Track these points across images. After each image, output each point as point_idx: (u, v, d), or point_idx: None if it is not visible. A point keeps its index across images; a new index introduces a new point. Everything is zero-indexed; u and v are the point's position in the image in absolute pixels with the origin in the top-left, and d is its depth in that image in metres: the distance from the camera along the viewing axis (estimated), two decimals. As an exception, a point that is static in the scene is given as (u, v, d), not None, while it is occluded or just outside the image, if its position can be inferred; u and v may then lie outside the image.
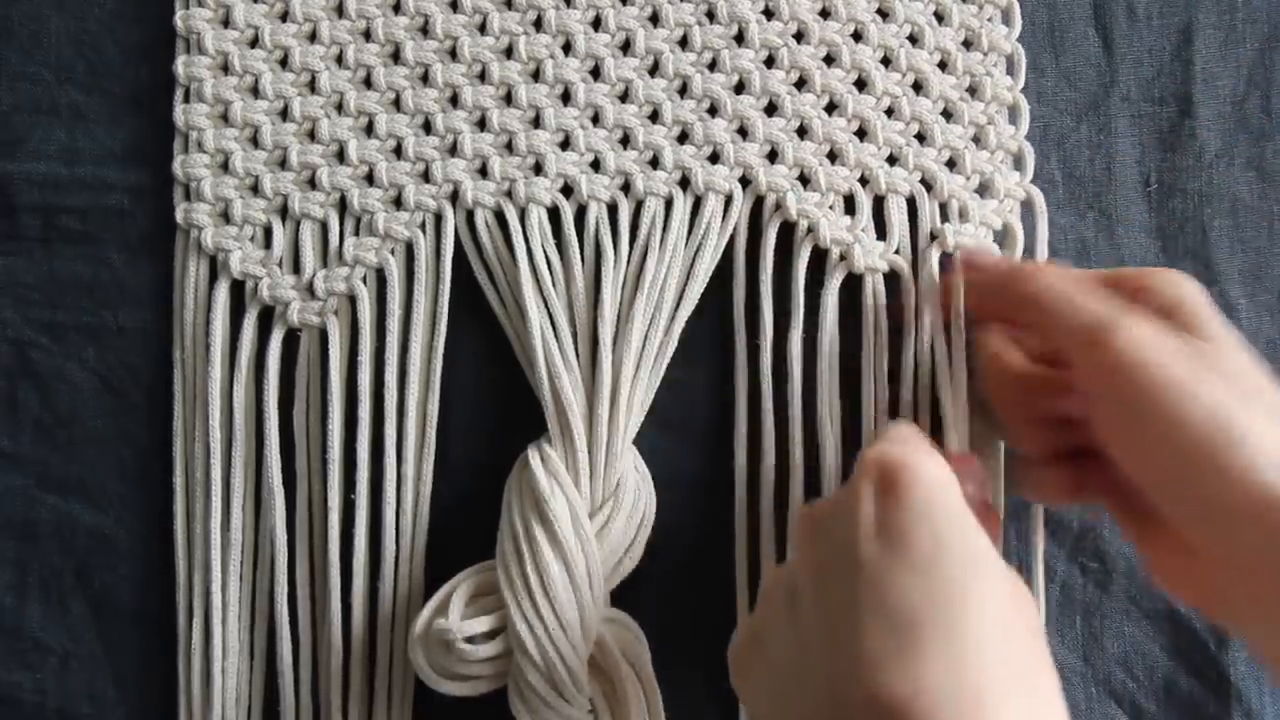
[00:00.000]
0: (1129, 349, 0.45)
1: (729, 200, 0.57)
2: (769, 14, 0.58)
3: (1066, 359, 0.48)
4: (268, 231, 0.58)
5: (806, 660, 0.43)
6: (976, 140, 0.58)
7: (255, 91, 0.58)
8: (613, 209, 0.57)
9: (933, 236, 0.57)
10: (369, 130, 0.58)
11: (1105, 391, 0.46)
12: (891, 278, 0.57)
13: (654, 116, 0.57)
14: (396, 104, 0.58)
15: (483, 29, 0.58)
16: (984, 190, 0.58)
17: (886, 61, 0.58)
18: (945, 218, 0.57)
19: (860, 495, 0.44)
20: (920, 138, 0.58)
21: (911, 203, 0.57)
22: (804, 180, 0.57)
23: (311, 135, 0.58)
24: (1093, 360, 0.46)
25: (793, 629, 0.44)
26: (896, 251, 0.57)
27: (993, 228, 0.57)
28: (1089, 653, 0.58)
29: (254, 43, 0.58)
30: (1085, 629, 0.58)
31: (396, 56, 0.58)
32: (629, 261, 0.57)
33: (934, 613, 0.40)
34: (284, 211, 0.58)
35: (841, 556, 0.43)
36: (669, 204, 0.57)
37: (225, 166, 0.57)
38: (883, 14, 0.58)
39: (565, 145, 0.58)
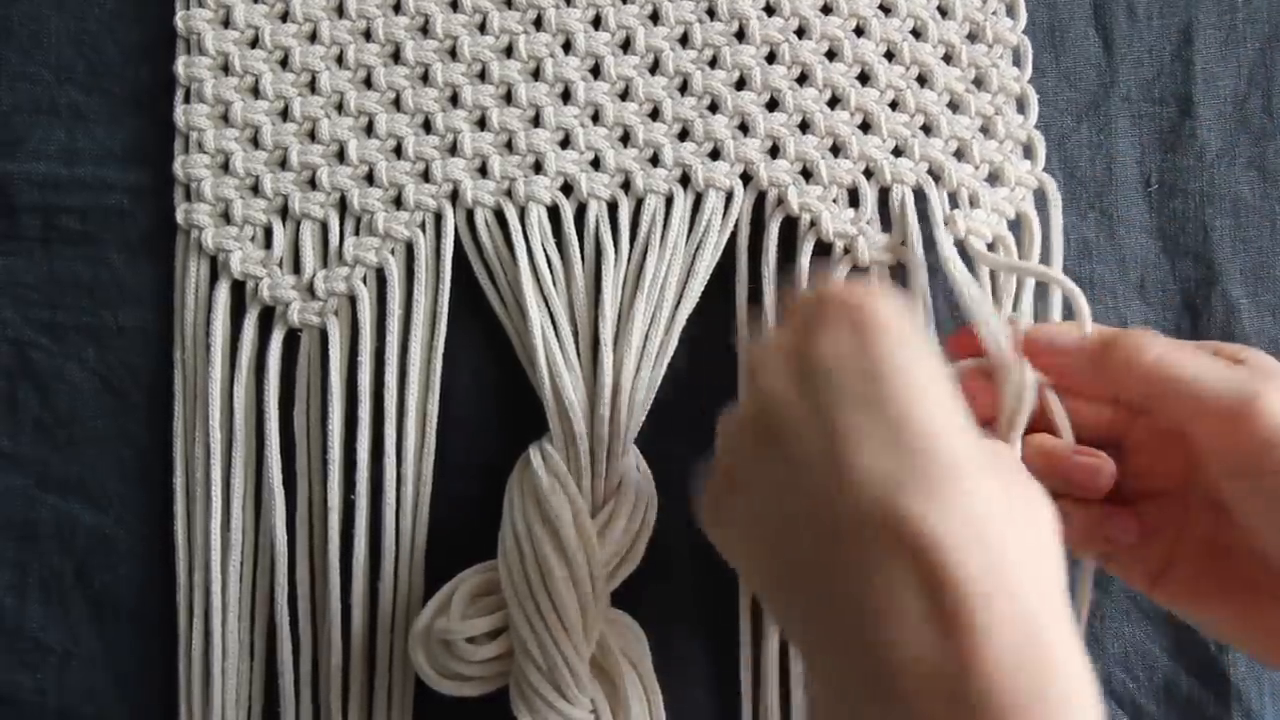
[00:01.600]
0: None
1: (730, 197, 0.57)
2: (770, 10, 0.58)
3: (1159, 435, 0.48)
4: (268, 232, 0.58)
5: (801, 489, 0.41)
6: (984, 130, 0.58)
7: (255, 92, 0.58)
8: (613, 207, 0.57)
9: (945, 223, 0.57)
10: (369, 130, 0.58)
11: (1254, 464, 0.44)
12: (897, 270, 0.57)
13: (654, 114, 0.57)
14: (396, 104, 0.58)
15: (483, 28, 0.58)
16: (994, 179, 0.58)
17: (890, 55, 0.58)
18: (955, 206, 0.57)
19: (831, 328, 0.42)
20: (926, 129, 0.58)
21: (918, 196, 0.57)
22: (806, 174, 0.57)
23: (312, 135, 0.58)
24: (1235, 432, 0.44)
25: (777, 462, 0.42)
26: (903, 243, 0.57)
27: (1005, 216, 0.57)
28: (1089, 653, 0.58)
29: (254, 43, 0.58)
30: (1085, 629, 0.58)
31: (396, 56, 0.58)
32: (629, 260, 0.57)
33: (945, 446, 0.39)
34: (284, 211, 0.58)
35: (824, 390, 0.41)
36: (669, 201, 0.57)
37: (225, 167, 0.57)
38: (885, 9, 0.58)
39: (565, 144, 0.58)
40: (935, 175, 0.57)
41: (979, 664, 0.35)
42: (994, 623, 0.36)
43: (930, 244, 0.56)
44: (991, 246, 0.57)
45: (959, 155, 0.58)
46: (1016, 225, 0.58)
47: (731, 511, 0.45)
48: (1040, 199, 0.58)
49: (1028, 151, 0.58)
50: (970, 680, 0.35)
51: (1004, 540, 0.37)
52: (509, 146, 0.57)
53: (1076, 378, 0.50)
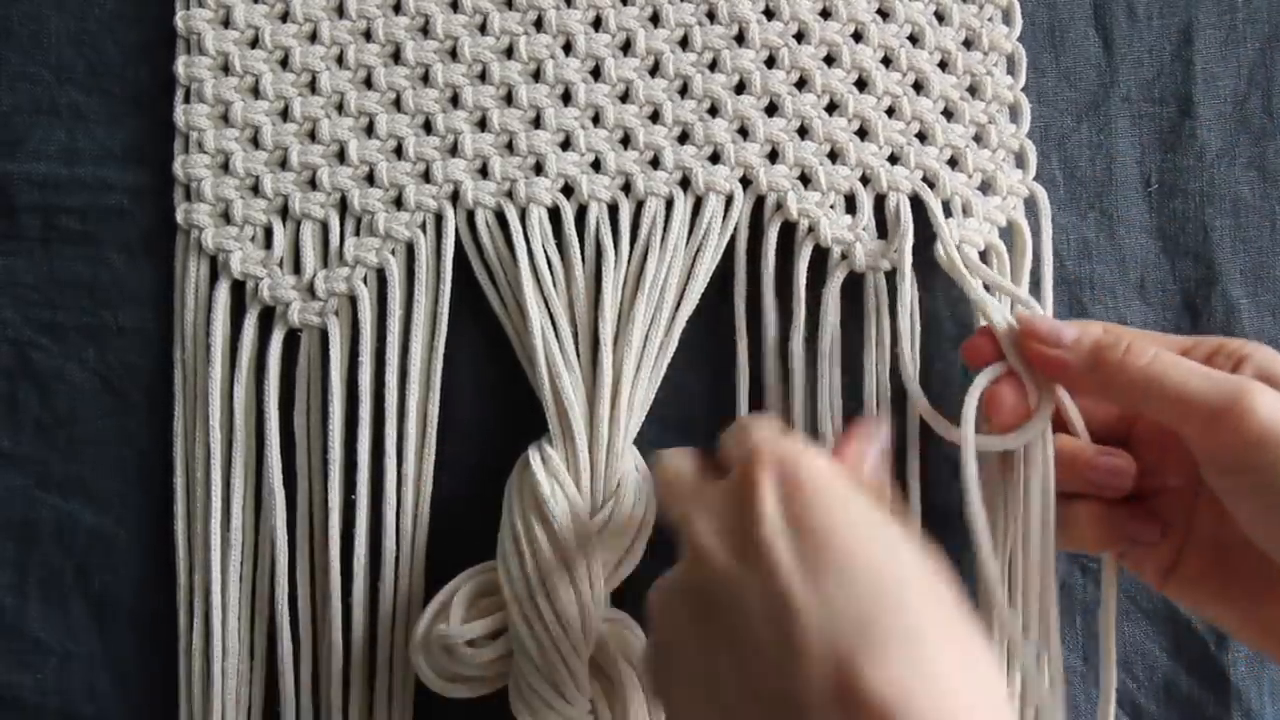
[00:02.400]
0: (1270, 418, 0.44)
1: (729, 200, 0.57)
2: (769, 14, 0.58)
3: (1164, 431, 0.49)
4: (268, 232, 0.58)
5: (747, 666, 0.41)
6: (978, 139, 0.58)
7: (255, 92, 0.58)
8: (613, 209, 0.57)
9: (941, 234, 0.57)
10: (369, 130, 0.58)
11: (1241, 462, 0.45)
12: (893, 276, 0.57)
13: (654, 117, 0.57)
14: (397, 104, 0.58)
15: (483, 29, 0.58)
16: (986, 188, 0.58)
17: (887, 61, 0.58)
18: (949, 215, 0.57)
19: (762, 495, 0.42)
20: (921, 137, 0.58)
21: (913, 202, 0.57)
22: (805, 180, 0.57)
23: (312, 135, 0.58)
24: (1225, 430, 0.45)
25: (718, 639, 0.42)
26: (898, 250, 0.57)
27: (997, 224, 0.57)
28: (1089, 653, 0.58)
29: (254, 43, 0.58)
30: (1085, 629, 0.58)
31: (397, 57, 0.58)
32: (629, 261, 0.57)
33: (886, 604, 0.39)
34: (284, 212, 0.58)
35: (762, 562, 0.41)
36: (669, 204, 0.57)
37: (226, 167, 0.57)
38: (883, 14, 0.58)
39: (566, 145, 0.58)
40: (930, 183, 0.57)
41: None
42: None
43: (925, 247, 0.57)
44: (984, 254, 0.57)
45: (953, 163, 0.58)
46: (1008, 233, 0.58)
47: (672, 684, 0.44)
48: (1030, 207, 0.58)
49: (1019, 160, 0.58)
50: None
51: (958, 694, 0.38)
52: (510, 148, 0.57)
53: (1076, 378, 0.50)
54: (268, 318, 0.57)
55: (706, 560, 0.43)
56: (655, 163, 0.57)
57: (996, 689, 0.40)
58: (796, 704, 0.38)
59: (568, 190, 0.57)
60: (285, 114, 0.58)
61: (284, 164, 0.57)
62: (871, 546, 0.41)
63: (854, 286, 0.57)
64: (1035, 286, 0.57)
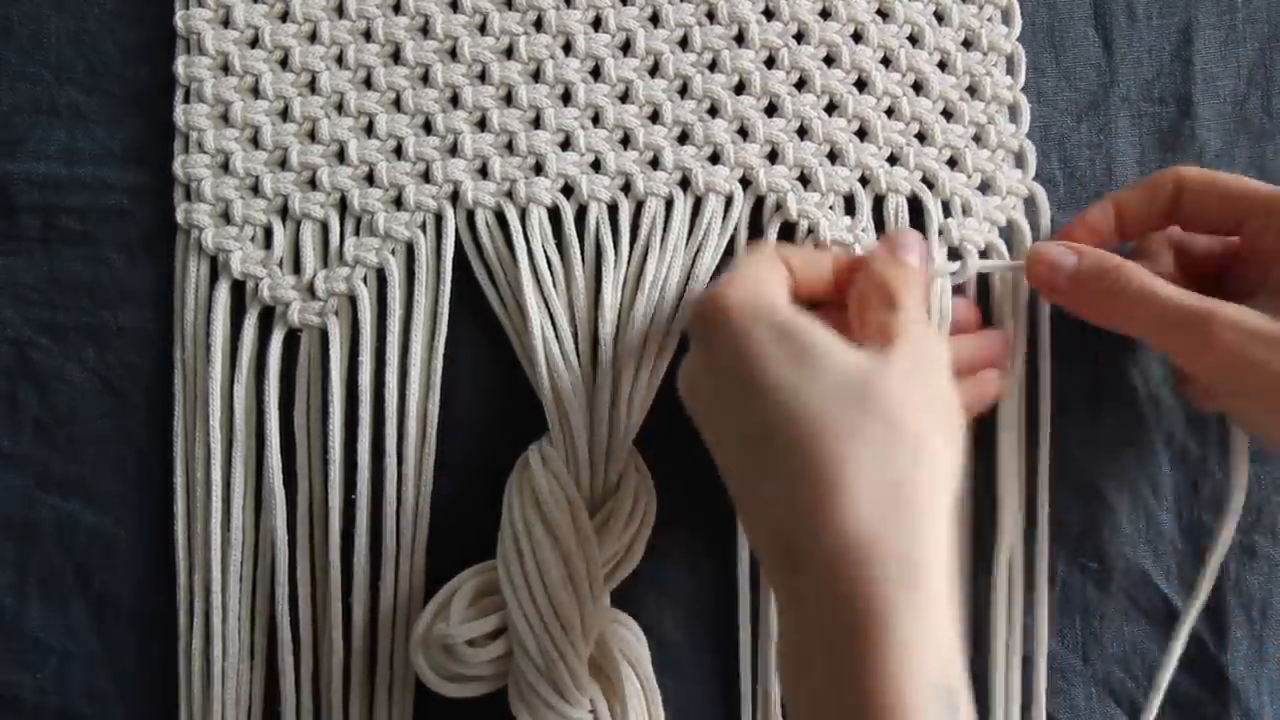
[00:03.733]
0: (1234, 346, 0.47)
1: (729, 201, 0.57)
2: (769, 14, 0.58)
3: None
4: (268, 232, 0.58)
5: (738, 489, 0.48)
6: (977, 139, 0.58)
7: (255, 92, 0.58)
8: (613, 209, 0.57)
9: (940, 233, 0.57)
10: (369, 130, 0.58)
11: (1218, 385, 0.51)
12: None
13: (654, 117, 0.57)
14: (397, 104, 0.58)
15: (483, 29, 0.58)
16: (986, 188, 0.58)
17: (886, 62, 0.58)
18: (948, 215, 0.57)
19: (693, 345, 0.49)
20: (921, 137, 0.58)
21: (912, 204, 0.57)
22: (804, 180, 0.57)
23: (312, 135, 0.58)
24: (1196, 359, 0.50)
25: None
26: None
27: (996, 224, 0.57)
28: (1089, 653, 0.58)
29: (254, 43, 0.58)
30: (1085, 629, 0.58)
31: (397, 57, 0.58)
32: (629, 262, 0.57)
33: (798, 423, 0.44)
34: (284, 212, 0.58)
35: (705, 400, 0.49)
36: (669, 204, 0.57)
37: (225, 167, 0.57)
38: (883, 14, 0.58)
39: (566, 145, 0.58)
40: (929, 184, 0.57)
41: (816, 603, 0.42)
42: (824, 569, 0.42)
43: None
44: (984, 255, 0.57)
45: (952, 164, 0.58)
46: (1008, 232, 0.58)
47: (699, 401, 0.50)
48: (1030, 206, 0.58)
49: (1019, 160, 0.58)
50: (814, 620, 0.42)
51: (825, 499, 0.42)
52: (509, 148, 0.57)
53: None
54: (268, 318, 0.57)
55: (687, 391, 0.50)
56: (655, 163, 0.57)
57: (921, 523, 0.43)
58: (748, 506, 0.47)
59: (568, 190, 0.57)
60: (285, 114, 0.58)
61: (284, 164, 0.57)
62: (782, 375, 0.45)
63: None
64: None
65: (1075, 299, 0.53)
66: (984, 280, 0.57)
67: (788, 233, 0.57)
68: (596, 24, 0.58)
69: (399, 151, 0.57)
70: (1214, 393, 0.54)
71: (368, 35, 0.58)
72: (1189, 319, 0.48)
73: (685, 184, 0.57)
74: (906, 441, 0.44)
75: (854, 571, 0.41)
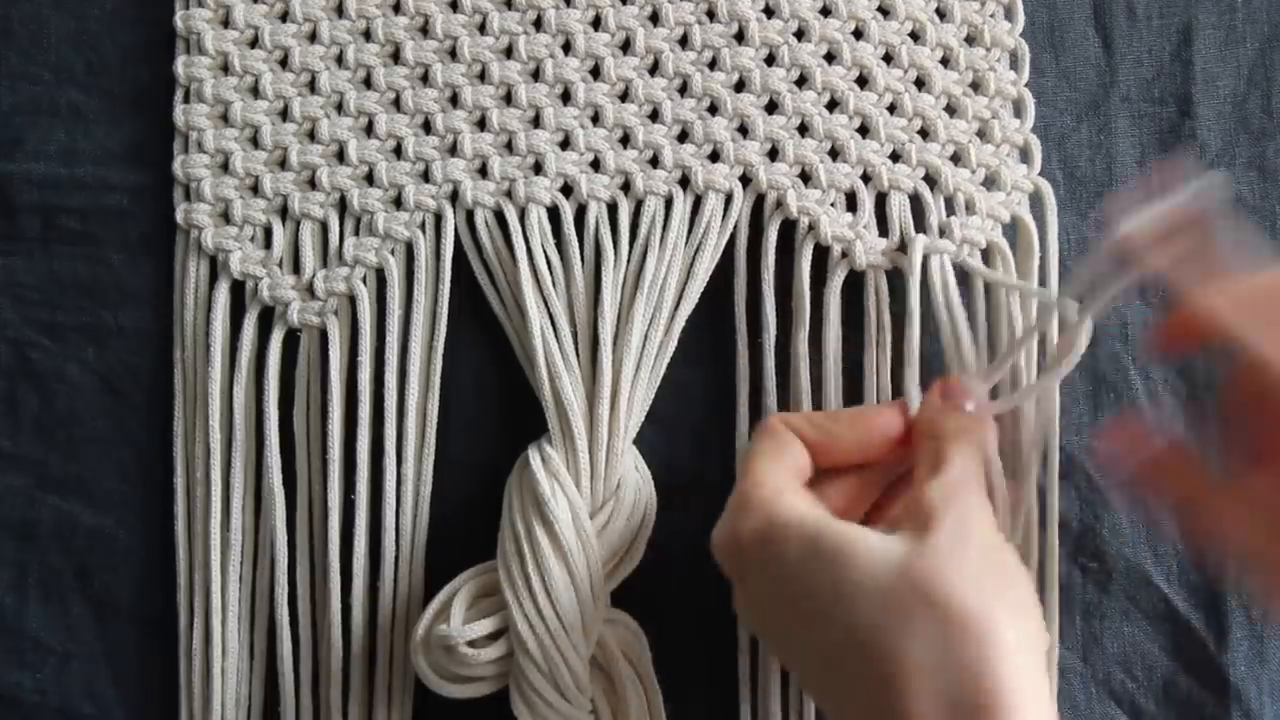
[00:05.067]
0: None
1: (729, 199, 0.57)
2: (769, 12, 0.58)
3: None
4: (268, 232, 0.58)
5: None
6: (981, 135, 0.58)
7: (255, 92, 0.58)
8: (613, 208, 0.57)
9: (941, 231, 0.57)
10: (369, 130, 0.58)
11: None
12: (894, 275, 0.57)
13: (654, 115, 0.57)
14: (396, 104, 0.58)
15: (482, 29, 0.58)
16: (990, 184, 0.58)
17: (888, 58, 0.58)
18: (951, 212, 0.57)
19: (732, 579, 0.49)
20: (923, 133, 0.58)
21: (915, 200, 0.57)
22: (805, 178, 0.57)
23: (311, 135, 0.58)
24: None
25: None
26: (899, 248, 0.57)
27: (1000, 220, 0.57)
28: (1089, 653, 0.58)
29: (254, 43, 0.58)
30: (1085, 629, 0.58)
31: (396, 56, 0.58)
32: (629, 261, 0.57)
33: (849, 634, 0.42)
34: (284, 211, 0.58)
35: (759, 627, 0.49)
36: (669, 203, 0.57)
37: (225, 167, 0.57)
38: (883, 11, 0.58)
39: (565, 145, 0.58)
40: (932, 180, 0.57)
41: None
42: None
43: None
44: (987, 251, 0.57)
45: (956, 160, 0.58)
46: (1012, 229, 0.58)
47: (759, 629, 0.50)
48: (1036, 202, 0.58)
49: (1024, 155, 0.58)
50: None
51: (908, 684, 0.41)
52: (509, 147, 0.57)
53: None
54: (267, 318, 0.57)
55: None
56: (655, 161, 0.57)
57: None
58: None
59: (567, 190, 0.57)
60: (285, 114, 0.58)
61: (284, 164, 0.58)
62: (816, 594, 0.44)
63: (856, 285, 0.57)
64: (1043, 281, 0.57)
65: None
66: (982, 279, 0.57)
67: (788, 230, 0.57)
68: (596, 23, 0.58)
69: (399, 151, 0.57)
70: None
71: (368, 35, 0.58)
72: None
73: (685, 182, 0.57)
74: (967, 623, 0.41)
75: None
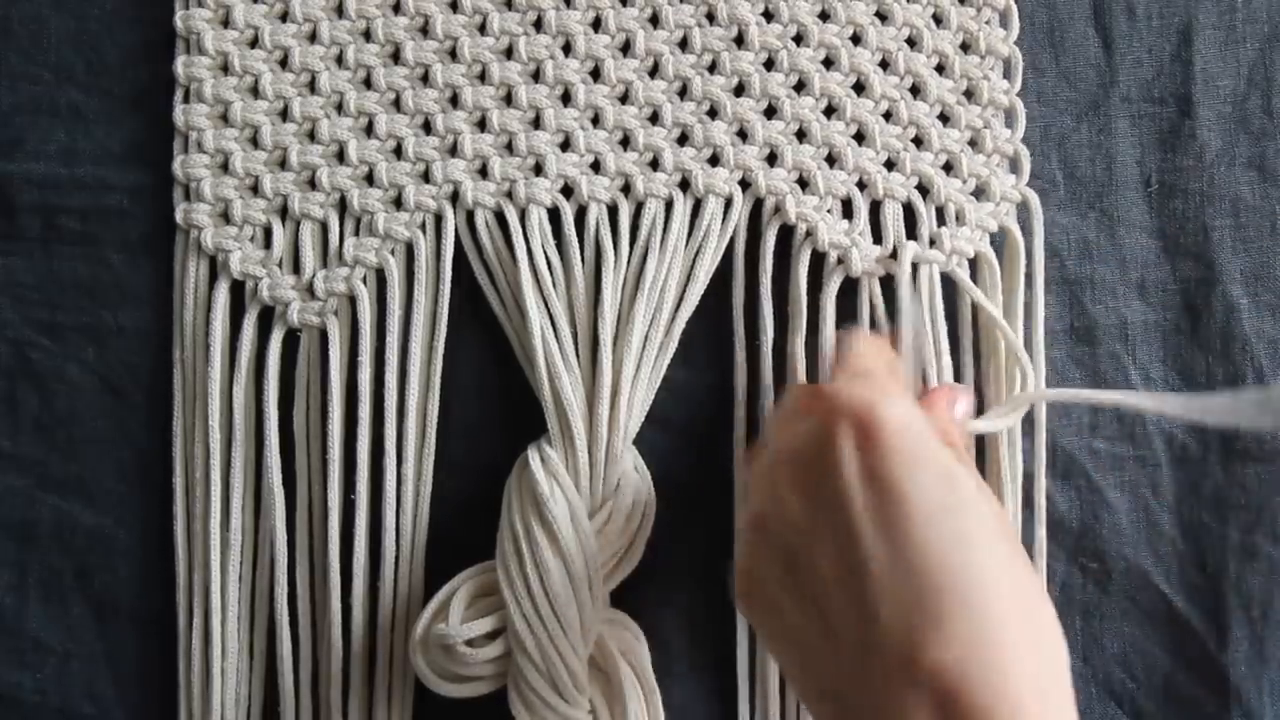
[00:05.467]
0: None
1: (729, 202, 0.57)
2: (769, 16, 0.58)
3: None
4: (268, 232, 0.58)
5: (828, 625, 0.43)
6: (973, 144, 0.58)
7: (255, 92, 0.58)
8: (613, 210, 0.57)
9: (931, 241, 0.57)
10: (369, 130, 0.58)
11: None
12: (888, 281, 0.57)
13: (654, 118, 0.57)
14: (396, 104, 0.58)
15: (483, 29, 0.58)
16: (980, 194, 0.58)
17: (885, 64, 0.58)
18: (942, 221, 0.57)
19: (839, 446, 0.44)
20: (918, 141, 0.58)
21: (908, 209, 0.57)
22: (803, 183, 0.57)
23: (311, 135, 0.58)
24: None
25: (800, 590, 0.44)
26: (892, 256, 0.57)
27: (989, 230, 0.57)
28: (1089, 653, 0.58)
29: (254, 43, 0.58)
30: (1085, 629, 0.58)
31: (396, 57, 0.58)
32: (629, 262, 0.57)
33: (953, 575, 0.41)
34: (284, 212, 0.58)
35: (837, 515, 0.43)
36: (669, 205, 0.57)
37: (225, 167, 0.57)
38: (881, 17, 0.58)
39: (565, 146, 0.58)
40: (924, 189, 0.58)
41: None
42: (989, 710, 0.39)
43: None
44: (975, 261, 0.57)
45: (948, 169, 0.58)
46: (1000, 239, 0.58)
47: (757, 613, 0.47)
48: (1024, 211, 0.58)
49: (1014, 165, 0.58)
50: None
51: (1007, 659, 0.40)
52: (509, 148, 0.57)
53: None
54: (267, 318, 0.57)
55: (783, 510, 0.45)
56: (655, 164, 0.57)
57: (1060, 670, 0.43)
58: (868, 664, 0.41)
59: (567, 191, 0.57)
60: (285, 114, 0.58)
61: (283, 164, 0.57)
62: (944, 510, 0.42)
63: (849, 289, 0.57)
64: (1029, 289, 0.57)
65: None
66: (973, 273, 0.57)
67: (786, 234, 0.57)
68: (596, 25, 0.58)
69: (399, 151, 0.57)
70: None
71: (368, 35, 0.58)
72: None
73: (685, 185, 0.57)
74: (1036, 597, 0.44)
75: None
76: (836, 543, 0.43)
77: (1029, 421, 0.57)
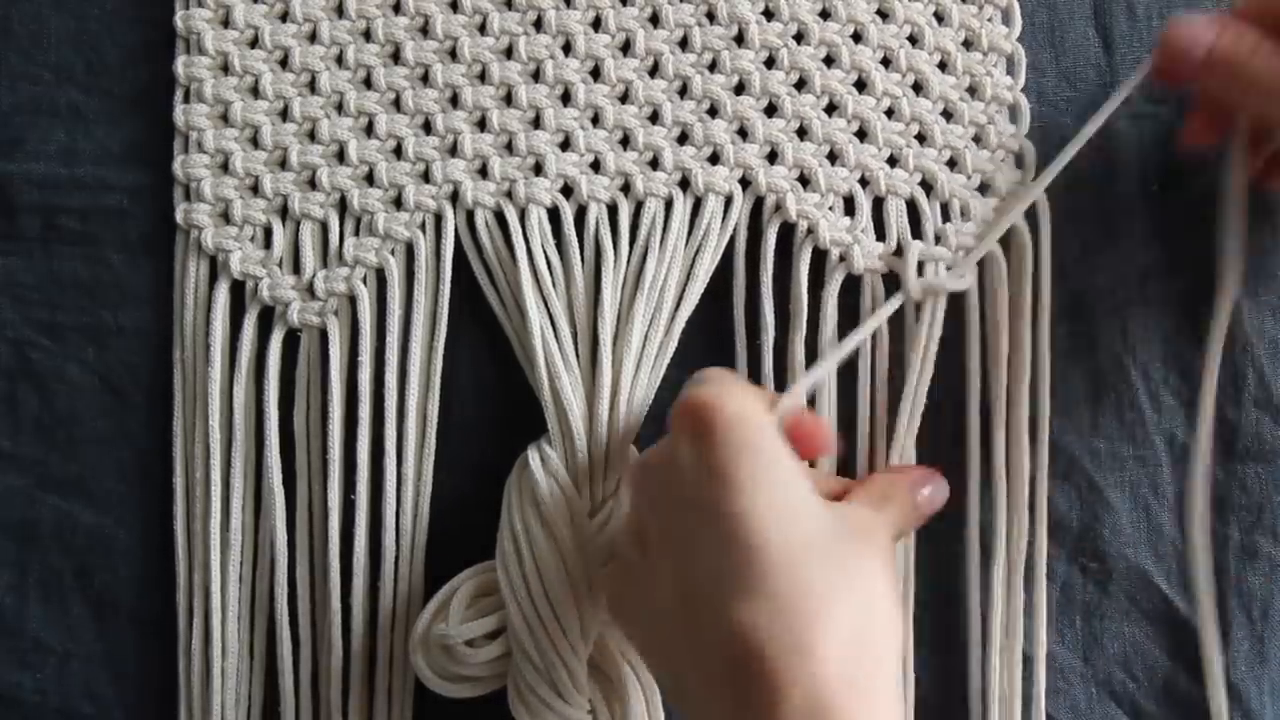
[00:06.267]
0: None
1: (729, 201, 0.57)
2: (769, 15, 0.58)
3: None
4: (268, 232, 0.58)
5: (664, 598, 0.46)
6: (977, 140, 0.58)
7: (255, 92, 0.58)
8: (613, 210, 0.57)
9: (937, 238, 0.57)
10: (369, 130, 0.58)
11: None
12: (890, 279, 0.57)
13: (654, 117, 0.57)
14: (396, 104, 0.58)
15: (483, 29, 0.58)
16: (985, 190, 0.58)
17: (886, 62, 0.58)
18: (947, 218, 0.57)
19: (677, 441, 0.47)
20: (920, 138, 0.58)
21: (911, 205, 0.57)
22: (804, 181, 0.57)
23: (311, 135, 0.58)
24: None
25: (648, 572, 0.48)
26: (896, 253, 0.57)
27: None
28: (1089, 653, 0.58)
29: (254, 43, 0.58)
30: (1085, 629, 0.58)
31: (396, 57, 0.58)
32: (629, 262, 0.57)
33: (765, 542, 0.43)
34: (284, 212, 0.58)
35: (675, 500, 0.47)
36: (669, 205, 0.57)
37: (225, 167, 0.57)
38: (883, 14, 0.58)
39: (565, 146, 0.58)
40: (928, 186, 0.57)
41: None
42: (789, 693, 0.41)
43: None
44: (981, 260, 0.57)
45: (952, 165, 0.58)
46: (1005, 236, 0.58)
47: (623, 610, 0.51)
48: (1030, 208, 0.58)
49: (1019, 161, 0.58)
50: None
51: (816, 638, 0.42)
52: (509, 148, 0.57)
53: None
54: (267, 318, 0.57)
55: (642, 505, 0.49)
56: (655, 163, 0.57)
57: (880, 668, 0.44)
58: (688, 633, 0.45)
59: (567, 191, 0.57)
60: (285, 114, 0.58)
61: (284, 164, 0.58)
62: (770, 487, 0.45)
63: (851, 287, 0.57)
64: (1035, 286, 0.57)
65: (1209, 75, 0.51)
66: (980, 273, 0.57)
67: (787, 233, 0.57)
68: (596, 24, 0.58)
69: (399, 151, 0.57)
70: None
71: (368, 35, 0.58)
72: None
73: (685, 184, 0.57)
74: (874, 600, 0.45)
75: (830, 705, 0.41)
76: (678, 524, 0.46)
77: (1030, 422, 0.57)
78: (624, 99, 0.58)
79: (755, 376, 0.57)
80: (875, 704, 0.43)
